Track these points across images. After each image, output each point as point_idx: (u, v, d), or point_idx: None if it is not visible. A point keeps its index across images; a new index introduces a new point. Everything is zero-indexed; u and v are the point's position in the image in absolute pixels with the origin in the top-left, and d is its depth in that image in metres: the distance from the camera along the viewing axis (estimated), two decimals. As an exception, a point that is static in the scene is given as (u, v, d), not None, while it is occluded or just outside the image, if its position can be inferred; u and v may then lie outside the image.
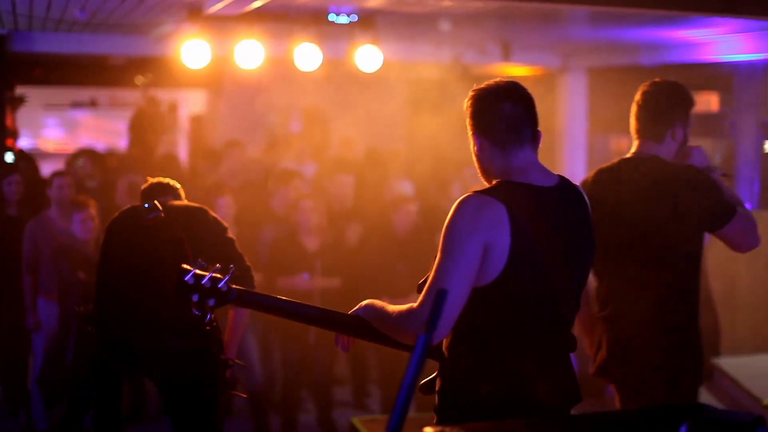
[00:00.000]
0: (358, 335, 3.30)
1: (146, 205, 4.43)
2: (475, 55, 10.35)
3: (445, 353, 3.09)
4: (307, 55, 8.40)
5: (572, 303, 3.16)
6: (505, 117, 3.06)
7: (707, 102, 11.28)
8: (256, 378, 7.30)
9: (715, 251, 7.66)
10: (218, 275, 3.12)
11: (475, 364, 3.02)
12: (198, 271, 3.12)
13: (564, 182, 3.19)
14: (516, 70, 11.85)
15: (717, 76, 10.12)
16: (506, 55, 10.15)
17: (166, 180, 4.83)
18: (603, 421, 2.58)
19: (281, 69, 9.41)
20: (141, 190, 4.80)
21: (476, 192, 3.01)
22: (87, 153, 9.79)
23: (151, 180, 4.82)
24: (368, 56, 8.47)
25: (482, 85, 3.13)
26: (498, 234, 2.90)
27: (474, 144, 3.14)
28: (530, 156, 3.13)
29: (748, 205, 9.02)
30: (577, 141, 11.58)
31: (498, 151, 3.08)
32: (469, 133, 3.15)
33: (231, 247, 4.62)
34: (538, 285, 2.99)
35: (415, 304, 2.98)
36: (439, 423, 3.06)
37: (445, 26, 8.49)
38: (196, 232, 4.49)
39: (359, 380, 8.46)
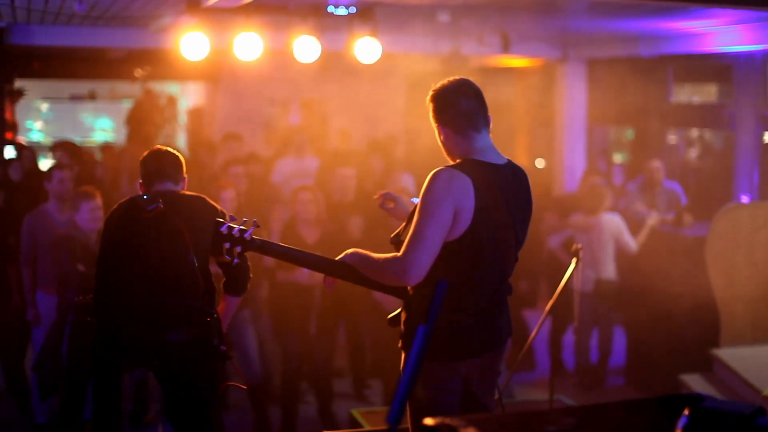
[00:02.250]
0: (344, 278, 3.96)
1: (145, 197, 4.41)
2: (475, 47, 10.34)
3: (411, 293, 3.78)
4: (306, 47, 8.38)
5: (513, 259, 3.91)
6: (462, 111, 3.79)
7: (706, 93, 11.29)
8: (256, 370, 7.31)
9: (714, 243, 7.67)
10: (244, 227, 3.84)
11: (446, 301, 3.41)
12: (230, 224, 3.82)
13: (510, 162, 3.90)
14: (515, 62, 11.85)
15: (716, 67, 10.13)
16: (505, 47, 10.15)
17: (164, 150, 4.76)
18: (605, 412, 2.59)
19: (280, 61, 9.40)
20: (141, 161, 4.74)
21: (447, 167, 3.72)
22: (63, 146, 9.73)
23: (151, 155, 4.75)
24: (367, 48, 8.45)
25: (439, 85, 3.84)
26: (465, 200, 3.61)
27: (440, 133, 3.86)
28: (486, 139, 3.85)
29: (747, 197, 9.04)
30: (576, 131, 11.59)
31: (460, 138, 3.81)
32: (434, 124, 3.87)
33: None
34: (491, 242, 3.72)
35: (399, 253, 3.66)
36: (403, 348, 3.76)
37: (444, 17, 8.49)
38: (196, 221, 4.48)
39: (358, 372, 8.48)
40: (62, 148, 9.46)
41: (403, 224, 3.97)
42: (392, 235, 3.95)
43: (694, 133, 11.19)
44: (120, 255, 4.46)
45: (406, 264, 3.59)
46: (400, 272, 3.61)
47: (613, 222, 8.46)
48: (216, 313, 4.45)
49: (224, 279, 4.69)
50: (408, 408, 3.81)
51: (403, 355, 3.80)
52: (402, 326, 3.83)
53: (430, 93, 3.86)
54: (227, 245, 3.82)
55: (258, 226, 3.90)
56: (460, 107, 3.79)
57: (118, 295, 4.37)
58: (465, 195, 3.61)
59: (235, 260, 3.87)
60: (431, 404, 3.72)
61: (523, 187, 3.90)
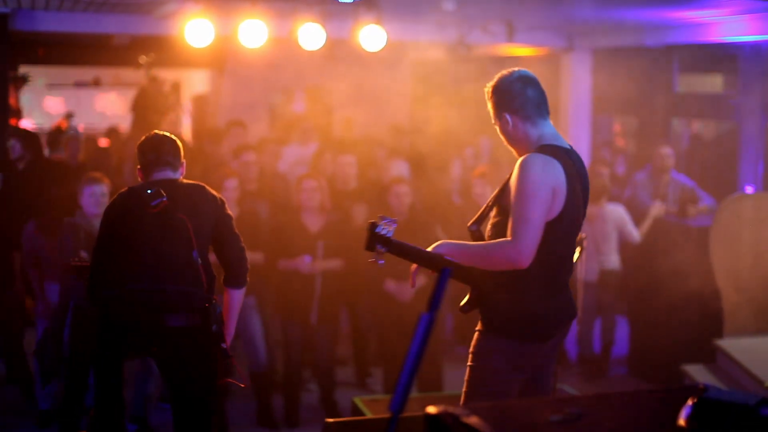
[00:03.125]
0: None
1: (149, 191, 4.39)
2: (480, 36, 10.31)
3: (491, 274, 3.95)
4: (311, 34, 8.37)
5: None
6: (530, 99, 3.98)
7: (711, 83, 11.26)
8: (261, 358, 7.32)
9: (718, 233, 7.65)
10: (387, 227, 4.00)
11: (532, 281, 3.91)
12: (383, 224, 3.98)
13: (572, 147, 4.09)
14: (520, 51, 11.82)
15: (721, 57, 10.09)
16: (510, 36, 10.10)
17: (162, 137, 4.72)
18: (609, 401, 2.59)
19: (285, 49, 9.37)
20: (138, 148, 4.70)
21: (535, 153, 3.88)
22: (18, 133, 8.91)
23: (148, 142, 4.70)
24: (372, 36, 8.43)
25: (500, 77, 4.03)
26: (559, 183, 3.82)
27: (506, 122, 4.01)
28: (551, 126, 4.05)
29: (752, 187, 9.02)
30: (581, 121, 11.56)
31: (529, 125, 3.99)
32: (499, 115, 4.02)
33: (230, 225, 4.62)
34: (574, 224, 3.99)
35: (506, 238, 3.79)
36: (487, 332, 4.00)
37: (449, 6, 8.45)
38: (196, 211, 4.48)
39: (361, 361, 8.48)
40: (16, 136, 8.61)
41: (479, 212, 4.14)
42: (470, 223, 4.10)
43: (699, 123, 11.17)
44: (119, 245, 4.45)
45: (521, 247, 3.73)
46: (515, 255, 3.74)
47: (616, 212, 8.46)
48: (215, 299, 4.45)
49: (224, 273, 4.68)
50: (468, 376, 4.10)
51: (476, 335, 4.06)
52: (484, 307, 4.04)
53: (492, 84, 4.05)
54: (380, 247, 3.98)
55: (396, 224, 4.04)
56: (528, 95, 3.99)
57: (116, 282, 4.37)
58: (558, 178, 3.82)
59: (381, 261, 4.00)
60: (496, 380, 3.98)
61: (585, 171, 4.11)
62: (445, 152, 9.86)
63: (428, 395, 6.97)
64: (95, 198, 6.52)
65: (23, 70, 13.00)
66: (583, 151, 11.53)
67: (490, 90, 4.08)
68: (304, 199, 7.33)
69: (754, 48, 9.09)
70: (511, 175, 3.98)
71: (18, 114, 12.65)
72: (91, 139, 11.18)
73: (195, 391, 4.34)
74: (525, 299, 3.94)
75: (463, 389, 4.12)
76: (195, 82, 15.43)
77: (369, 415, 6.13)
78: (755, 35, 8.43)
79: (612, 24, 10.13)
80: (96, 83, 16.09)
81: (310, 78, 13.04)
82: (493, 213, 4.08)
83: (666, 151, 9.18)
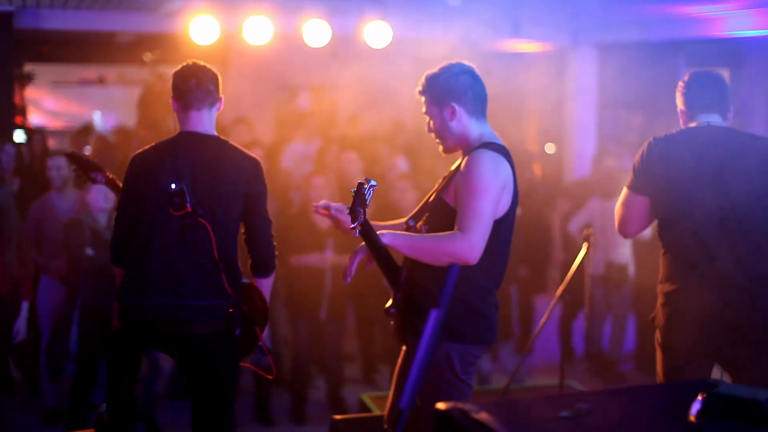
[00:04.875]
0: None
1: (173, 186, 4.08)
2: (485, 31, 10.29)
3: (417, 275, 3.84)
4: (317, 30, 8.37)
5: None
6: (478, 94, 3.90)
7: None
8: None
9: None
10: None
11: (479, 281, 3.82)
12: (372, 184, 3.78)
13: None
14: (526, 46, 11.79)
15: (728, 52, 10.07)
16: (516, 32, 10.10)
17: (201, 68, 4.43)
18: (621, 396, 2.58)
19: (290, 45, 9.37)
20: (176, 77, 4.41)
21: (483, 149, 3.78)
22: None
23: (185, 73, 4.41)
24: (378, 32, 8.43)
25: (453, 65, 3.91)
26: (508, 181, 3.77)
27: (450, 112, 3.86)
28: (488, 124, 3.96)
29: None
30: (587, 117, 11.54)
31: (474, 120, 3.89)
32: (442, 103, 3.87)
33: (260, 207, 4.36)
34: (515, 221, 3.91)
35: (456, 232, 3.66)
36: (409, 333, 3.84)
37: (454, 2, 8.45)
38: (223, 197, 4.14)
39: (368, 357, 8.47)
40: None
41: (417, 209, 4.05)
42: (408, 218, 4.02)
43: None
44: (138, 251, 4.23)
45: (473, 242, 3.63)
46: (467, 250, 3.64)
47: None
48: (238, 303, 4.28)
49: (251, 260, 4.46)
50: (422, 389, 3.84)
51: (404, 345, 3.94)
52: (406, 311, 3.88)
53: (433, 73, 3.92)
54: (361, 211, 3.76)
55: (376, 186, 3.85)
56: (476, 90, 3.89)
57: (139, 289, 4.23)
58: (507, 176, 3.77)
59: (358, 231, 3.80)
60: (456, 387, 3.79)
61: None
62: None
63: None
64: (103, 192, 6.52)
65: (28, 67, 12.99)
66: (589, 147, 11.51)
67: (429, 80, 3.93)
68: (313, 197, 7.32)
69: (761, 43, 9.07)
70: (453, 170, 3.91)
71: (23, 112, 12.65)
72: (101, 138, 11.16)
73: (215, 392, 4.29)
74: (472, 300, 3.82)
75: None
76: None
77: (376, 412, 6.13)
78: (762, 30, 8.42)
79: (618, 19, 10.11)
80: (101, 81, 16.09)
81: (316, 75, 13.03)
82: (431, 208, 3.94)
83: None
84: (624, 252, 8.52)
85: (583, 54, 11.48)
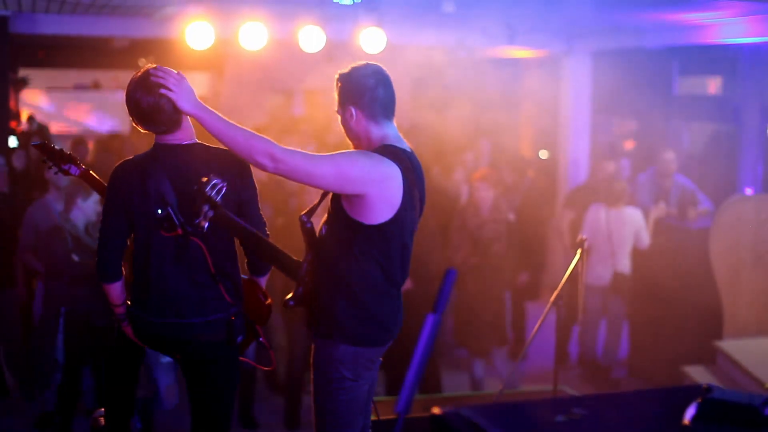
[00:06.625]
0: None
1: (159, 212, 3.92)
2: (479, 38, 10.32)
3: (318, 271, 3.90)
4: (311, 37, 8.38)
5: (410, 247, 3.97)
6: (379, 97, 3.83)
7: (711, 85, 11.27)
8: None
9: (718, 235, 7.67)
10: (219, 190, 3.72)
11: (368, 283, 3.82)
12: (215, 182, 3.71)
13: (413, 152, 3.96)
14: (520, 53, 11.83)
15: (721, 59, 10.11)
16: (510, 38, 10.12)
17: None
18: (614, 401, 2.60)
19: (285, 51, 9.38)
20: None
21: (375, 151, 3.74)
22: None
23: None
24: (372, 38, 8.45)
25: (353, 68, 3.88)
26: (392, 189, 3.69)
27: (350, 115, 3.84)
28: (395, 127, 3.92)
29: (751, 189, 9.03)
30: (581, 123, 11.57)
31: (373, 123, 3.84)
32: (343, 105, 3.87)
33: (251, 210, 4.31)
34: (406, 226, 3.82)
35: (272, 141, 3.64)
36: (316, 329, 3.90)
37: (449, 8, 8.47)
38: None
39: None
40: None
41: (313, 204, 4.07)
42: (302, 214, 3.97)
43: (699, 125, 11.17)
44: (137, 274, 4.15)
45: (284, 159, 3.59)
46: (268, 155, 3.60)
47: (635, 216, 8.48)
48: (241, 311, 4.27)
49: (247, 259, 4.38)
50: (315, 396, 3.93)
51: (312, 342, 3.95)
52: (311, 306, 3.91)
53: (344, 73, 3.91)
54: (205, 208, 3.71)
55: (225, 187, 3.76)
56: (378, 94, 3.83)
57: (140, 305, 4.20)
58: (386, 178, 3.68)
59: (206, 225, 3.73)
60: (353, 391, 3.83)
61: (422, 176, 3.97)
62: (445, 153, 9.86)
63: (427, 397, 6.98)
64: (84, 210, 6.56)
65: (23, 72, 13.00)
66: (583, 153, 11.54)
67: (339, 79, 3.93)
68: (307, 201, 7.33)
69: (755, 50, 9.11)
70: None
71: (18, 117, 12.66)
72: (101, 141, 11.18)
73: (215, 398, 4.29)
74: (363, 302, 3.80)
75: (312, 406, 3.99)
76: (195, 85, 15.27)
77: (372, 417, 6.13)
78: (755, 37, 8.45)
79: (612, 26, 10.15)
80: (96, 86, 16.09)
81: (310, 81, 13.05)
82: (326, 210, 3.93)
83: (669, 155, 9.20)
84: (627, 261, 8.54)
85: (577, 61, 11.53)
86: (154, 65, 4.00)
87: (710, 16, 8.55)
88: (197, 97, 3.91)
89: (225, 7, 8.21)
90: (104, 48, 12.36)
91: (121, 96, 4.07)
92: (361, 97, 3.82)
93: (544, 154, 12.70)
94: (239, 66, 12.03)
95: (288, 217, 7.81)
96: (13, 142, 10.09)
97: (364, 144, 3.88)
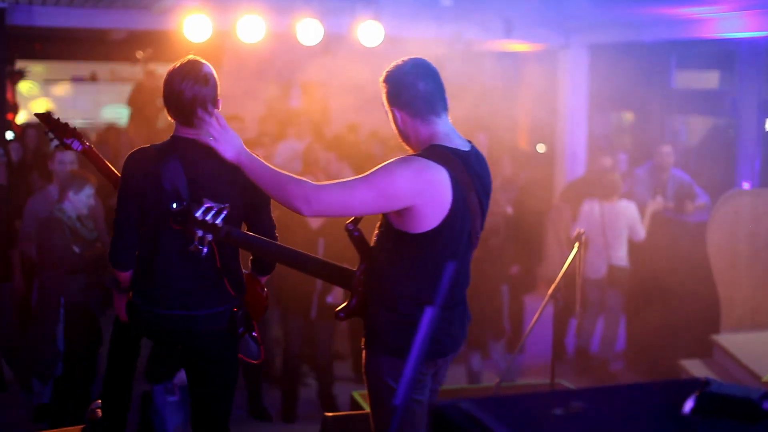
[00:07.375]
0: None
1: (174, 206, 3.82)
2: (477, 32, 10.31)
3: (370, 280, 3.68)
4: (309, 29, 8.37)
5: (474, 247, 3.77)
6: (421, 93, 3.57)
7: (709, 80, 11.27)
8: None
9: (715, 229, 7.68)
10: (216, 212, 3.62)
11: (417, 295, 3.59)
12: (207, 206, 3.61)
13: (474, 147, 3.69)
14: (518, 46, 11.82)
15: (719, 53, 10.11)
16: (508, 32, 10.12)
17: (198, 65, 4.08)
18: (614, 394, 2.60)
19: (282, 44, 9.37)
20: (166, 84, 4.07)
21: (415, 157, 3.50)
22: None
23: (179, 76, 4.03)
24: (370, 31, 8.45)
25: (393, 66, 3.63)
26: (437, 196, 3.44)
27: (395, 117, 3.62)
28: (447, 123, 3.63)
29: (748, 184, 9.04)
30: (578, 117, 11.58)
31: (419, 122, 3.58)
32: (388, 108, 3.64)
33: (260, 212, 4.36)
34: (462, 232, 3.58)
35: (313, 182, 3.49)
36: (378, 351, 3.84)
37: (446, 1, 8.47)
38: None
39: (359, 355, 8.46)
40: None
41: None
42: (348, 222, 3.74)
43: (696, 119, 11.18)
44: (143, 265, 4.15)
45: (318, 198, 3.44)
46: (302, 199, 3.44)
47: (629, 209, 8.50)
48: (243, 304, 4.27)
49: (252, 259, 4.42)
50: (370, 405, 3.94)
51: (364, 354, 3.91)
52: (365, 318, 3.77)
53: (383, 74, 3.65)
54: (200, 233, 3.61)
55: (228, 211, 3.68)
56: (418, 89, 3.57)
57: (148, 298, 4.19)
58: (438, 189, 3.45)
59: (205, 249, 3.65)
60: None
61: (486, 172, 3.72)
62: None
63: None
64: (76, 203, 6.55)
65: (20, 64, 12.96)
66: (580, 147, 11.54)
67: (383, 80, 3.66)
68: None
69: (752, 44, 9.11)
70: None
71: (15, 109, 12.62)
72: (98, 134, 11.18)
73: (216, 388, 4.29)
74: (406, 314, 3.58)
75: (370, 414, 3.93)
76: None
77: (368, 409, 6.13)
78: (753, 32, 8.46)
79: (609, 20, 10.15)
80: (93, 78, 16.06)
81: (307, 73, 13.03)
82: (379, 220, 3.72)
83: (667, 149, 9.21)
84: (624, 254, 8.55)
85: (575, 54, 11.52)
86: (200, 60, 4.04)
87: (708, 10, 8.55)
88: (242, 143, 3.70)
89: (223, 0, 8.20)
90: (101, 40, 12.33)
91: (117, 88, 4.08)
92: (400, 96, 3.59)
93: (541, 148, 12.70)
94: (237, 59, 12.00)
95: (282, 210, 7.81)
96: (10, 134, 10.07)
97: (413, 145, 3.65)
